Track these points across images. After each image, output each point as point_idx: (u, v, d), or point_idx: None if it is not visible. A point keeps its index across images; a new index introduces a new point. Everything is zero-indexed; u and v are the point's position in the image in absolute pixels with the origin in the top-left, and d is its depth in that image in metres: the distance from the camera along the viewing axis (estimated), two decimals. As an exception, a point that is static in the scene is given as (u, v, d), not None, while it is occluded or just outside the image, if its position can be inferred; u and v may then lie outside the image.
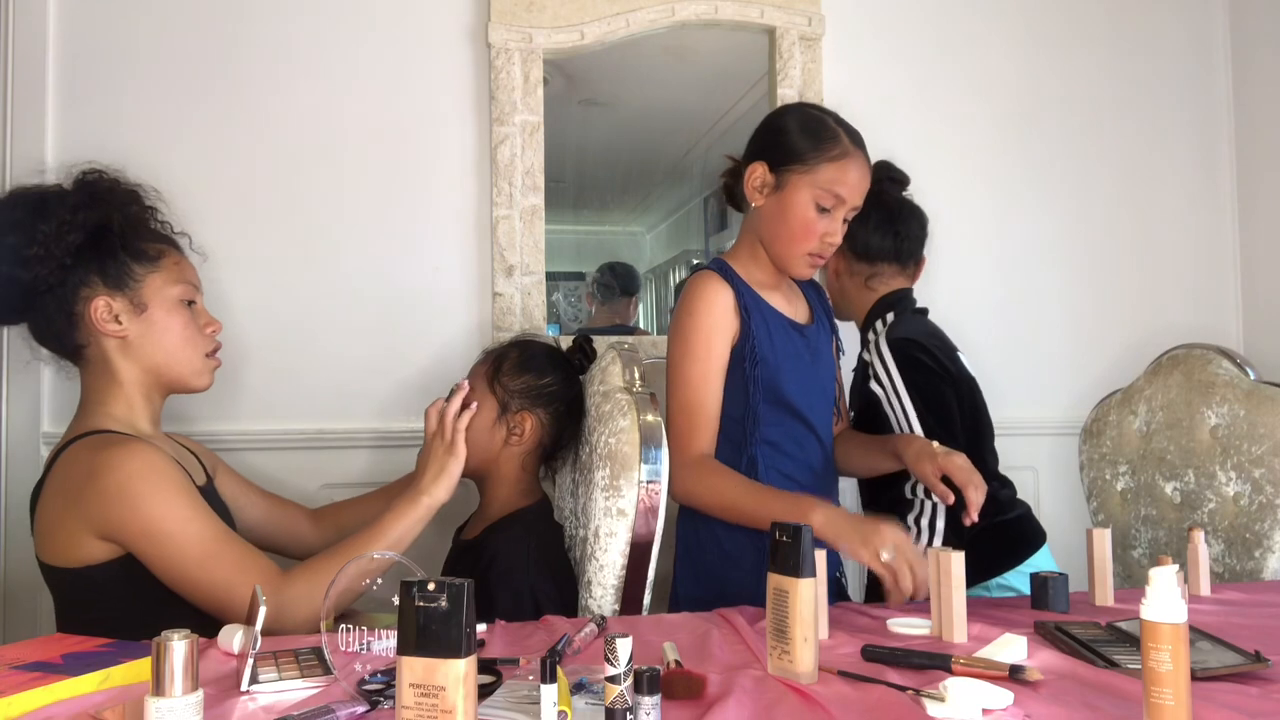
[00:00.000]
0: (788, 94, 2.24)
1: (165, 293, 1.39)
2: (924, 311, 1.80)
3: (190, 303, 1.43)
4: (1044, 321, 2.45)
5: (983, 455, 1.69)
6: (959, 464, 1.39)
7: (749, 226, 1.56)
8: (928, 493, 1.61)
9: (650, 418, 1.41)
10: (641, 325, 2.42)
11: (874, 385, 1.64)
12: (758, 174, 1.49)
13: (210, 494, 1.44)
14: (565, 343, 1.78)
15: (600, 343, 1.75)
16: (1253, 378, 1.79)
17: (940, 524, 1.61)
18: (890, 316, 1.73)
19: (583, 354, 1.72)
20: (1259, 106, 2.50)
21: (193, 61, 2.03)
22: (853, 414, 1.75)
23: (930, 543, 1.61)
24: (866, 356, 1.70)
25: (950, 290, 2.38)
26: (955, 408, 1.65)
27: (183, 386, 1.43)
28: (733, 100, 2.34)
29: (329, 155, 2.07)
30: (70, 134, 1.95)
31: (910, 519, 1.63)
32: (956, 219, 2.40)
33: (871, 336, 1.72)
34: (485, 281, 2.13)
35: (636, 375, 1.51)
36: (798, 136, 1.47)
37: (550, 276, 2.15)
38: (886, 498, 1.69)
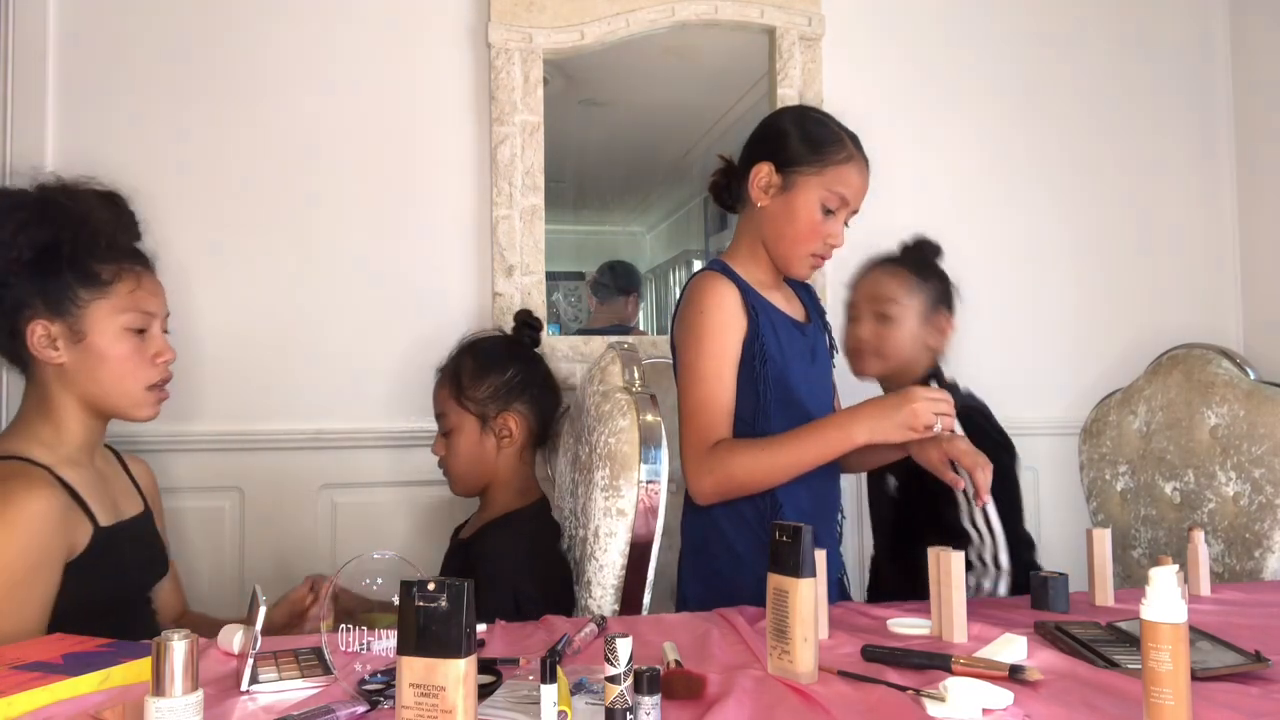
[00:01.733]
0: (788, 94, 2.24)
1: (109, 321, 1.32)
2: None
3: (141, 330, 1.34)
4: (1044, 321, 2.45)
5: (1020, 521, 1.65)
6: (963, 448, 1.37)
7: (748, 227, 1.55)
8: (988, 524, 1.56)
9: (650, 418, 1.41)
10: (641, 325, 2.42)
11: None
12: (763, 175, 1.49)
13: (137, 527, 1.40)
14: (563, 343, 1.78)
15: (600, 342, 1.75)
16: (1253, 378, 1.78)
17: (1004, 559, 1.54)
18: (934, 383, 1.68)
19: (528, 329, 1.71)
20: (1259, 106, 2.50)
21: (193, 62, 2.03)
22: (893, 480, 1.68)
23: (997, 584, 1.56)
24: None
25: (950, 290, 2.38)
26: (1017, 479, 1.62)
27: (122, 416, 1.37)
28: (733, 100, 2.34)
29: (329, 155, 2.07)
30: (71, 134, 1.95)
31: (973, 555, 1.57)
32: (956, 219, 2.40)
33: None
34: (485, 281, 2.13)
35: (636, 375, 1.50)
36: (804, 139, 1.49)
37: (550, 276, 2.15)
38: (936, 530, 1.59)
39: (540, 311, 2.11)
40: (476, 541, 1.57)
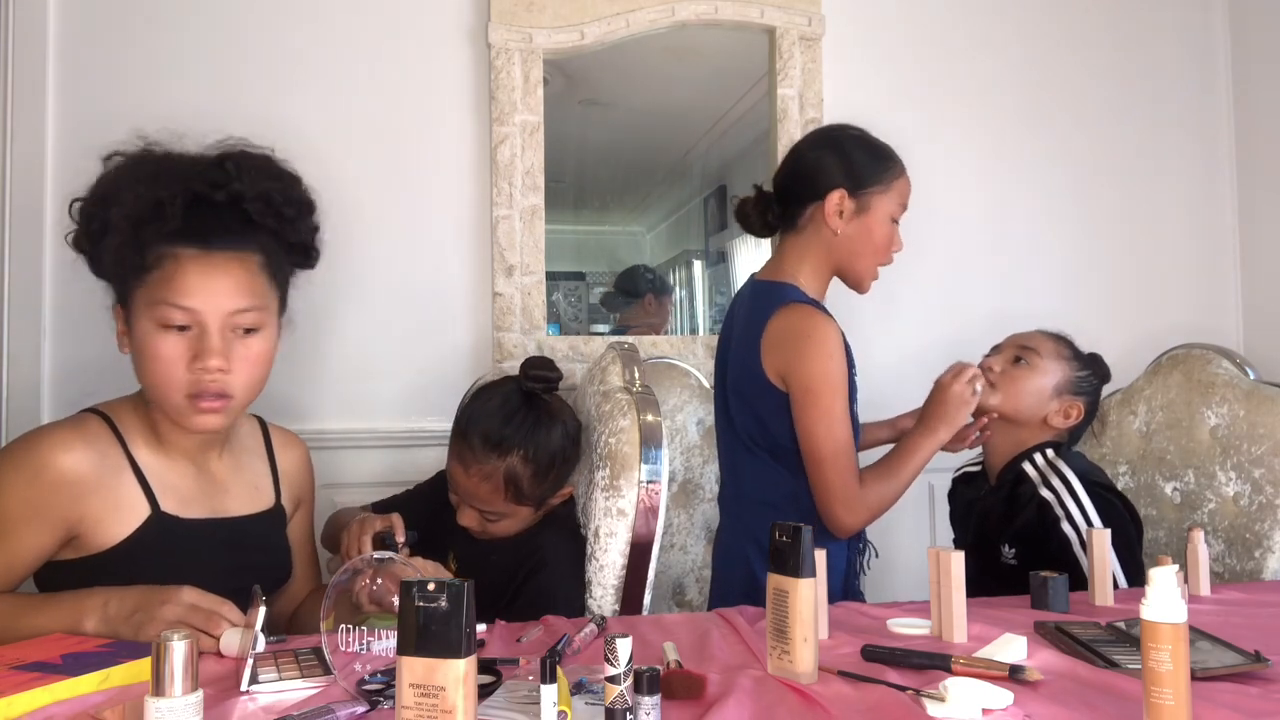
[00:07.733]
0: (788, 94, 2.24)
1: (144, 314, 1.16)
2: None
3: (180, 327, 1.16)
4: (1044, 322, 2.43)
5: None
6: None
7: (812, 252, 1.56)
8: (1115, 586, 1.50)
9: (650, 418, 1.41)
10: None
11: (1067, 528, 1.55)
12: (837, 201, 1.53)
13: (239, 528, 1.29)
14: (562, 343, 1.74)
15: (600, 343, 1.74)
16: (1253, 378, 1.78)
17: (1115, 567, 1.48)
18: (1051, 451, 1.64)
19: (544, 383, 1.51)
20: (1259, 106, 2.50)
21: (192, 60, 2.03)
22: (1012, 550, 1.63)
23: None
24: (1046, 495, 1.59)
25: (949, 290, 2.38)
26: (1134, 544, 1.60)
27: (174, 424, 1.21)
28: (733, 100, 2.34)
29: (329, 154, 2.06)
30: (70, 127, 1.96)
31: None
32: (956, 218, 2.39)
33: (1041, 472, 1.63)
34: (485, 281, 2.13)
35: (636, 375, 1.51)
36: (868, 159, 1.56)
37: (550, 276, 2.16)
38: (1044, 551, 1.56)
39: (540, 312, 2.11)
40: (532, 538, 1.51)
